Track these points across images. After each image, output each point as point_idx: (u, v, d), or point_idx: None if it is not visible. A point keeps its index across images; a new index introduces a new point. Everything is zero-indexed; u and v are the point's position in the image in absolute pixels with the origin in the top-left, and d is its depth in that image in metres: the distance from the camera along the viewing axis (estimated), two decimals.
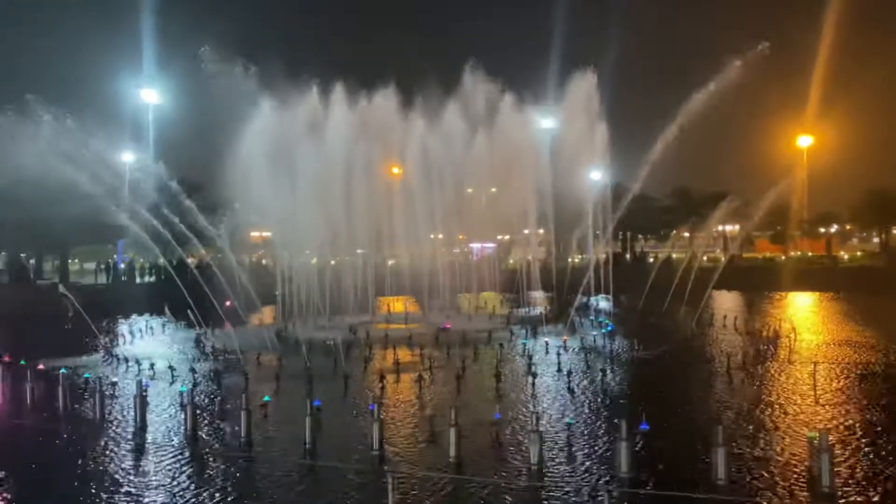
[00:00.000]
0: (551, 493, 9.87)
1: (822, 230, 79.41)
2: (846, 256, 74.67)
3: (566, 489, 9.97)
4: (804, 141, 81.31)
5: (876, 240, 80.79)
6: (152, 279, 55.76)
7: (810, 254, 73.72)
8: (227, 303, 30.25)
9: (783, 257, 73.05)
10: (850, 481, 10.10)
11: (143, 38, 71.54)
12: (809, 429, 12.25)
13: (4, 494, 10.04)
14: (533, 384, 16.72)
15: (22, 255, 56.63)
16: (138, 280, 55.03)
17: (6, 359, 19.37)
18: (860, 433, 12.58)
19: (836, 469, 9.99)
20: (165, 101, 76.18)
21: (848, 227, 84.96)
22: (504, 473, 10.77)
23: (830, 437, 10.12)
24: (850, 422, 13.32)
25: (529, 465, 10.83)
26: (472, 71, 37.48)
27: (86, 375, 17.41)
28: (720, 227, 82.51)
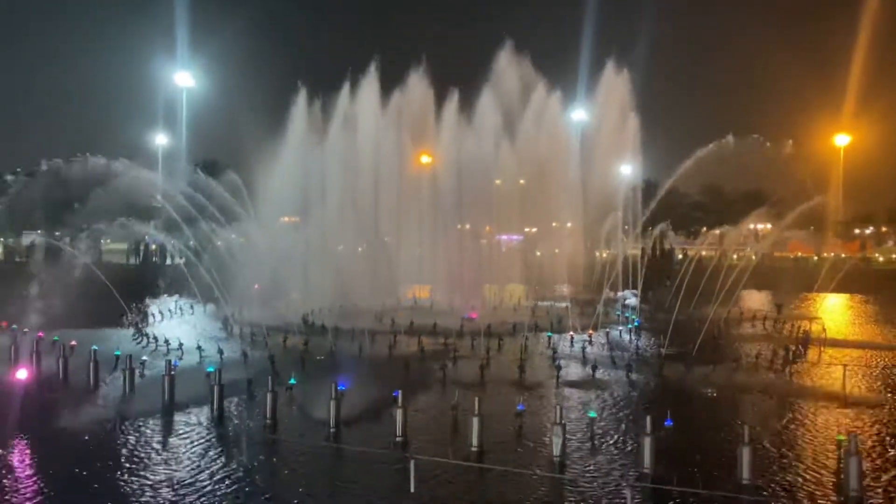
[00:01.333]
0: (573, 486, 9.85)
1: (857, 231, 77.90)
2: (881, 258, 73.19)
3: (588, 482, 9.94)
4: (842, 140, 79.69)
5: None
6: (182, 261, 56.48)
7: (843, 255, 72.35)
8: (256, 286, 30.55)
9: (815, 258, 71.78)
10: (878, 484, 9.95)
11: (176, 23, 72.23)
12: (838, 431, 12.07)
13: None
14: (557, 377, 16.67)
15: (57, 233, 57.68)
16: (168, 262, 55.77)
17: (39, 335, 19.78)
18: (889, 437, 12.36)
19: (864, 472, 9.83)
20: (199, 84, 76.94)
21: (884, 228, 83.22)
22: (526, 464, 10.77)
23: (859, 440, 9.94)
24: (880, 425, 13.09)
25: (552, 456, 10.82)
26: (503, 59, 37.24)
27: (116, 353, 17.70)
28: (752, 226, 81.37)
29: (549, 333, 23.19)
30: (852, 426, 12.37)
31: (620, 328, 25.21)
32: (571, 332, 23.01)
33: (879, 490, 9.78)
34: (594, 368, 17.09)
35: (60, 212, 53.54)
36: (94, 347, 16.72)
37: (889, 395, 15.99)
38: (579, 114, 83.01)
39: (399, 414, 11.80)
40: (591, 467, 10.64)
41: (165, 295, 35.49)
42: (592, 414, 12.74)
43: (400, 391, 12.09)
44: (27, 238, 64.17)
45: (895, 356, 21.34)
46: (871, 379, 17.91)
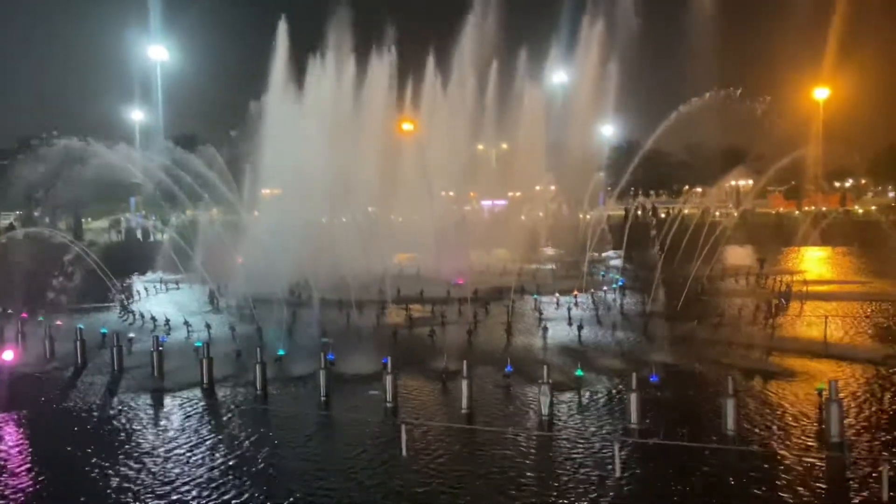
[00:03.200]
0: (561, 443, 10.03)
1: (837, 185, 78.57)
2: (860, 210, 73.96)
3: (576, 439, 10.12)
4: (821, 93, 79.84)
5: (892, 194, 79.90)
6: (165, 237, 56.11)
7: (824, 209, 73.04)
8: (239, 260, 30.41)
9: (797, 212, 72.46)
10: (859, 430, 10.20)
11: None
12: (819, 380, 12.33)
13: None
14: (544, 338, 16.84)
15: (35, 213, 57.08)
16: (151, 238, 55.39)
17: (24, 315, 19.64)
18: (868, 384, 12.66)
19: (844, 418, 10.07)
20: (174, 58, 75.65)
21: (863, 181, 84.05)
22: (515, 424, 10.95)
23: (839, 388, 10.17)
24: (860, 373, 13.39)
25: (540, 415, 10.99)
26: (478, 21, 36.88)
27: (102, 331, 17.66)
28: (733, 183, 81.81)
29: (536, 296, 23.35)
30: (833, 374, 12.61)
31: (605, 288, 25.40)
32: (557, 294, 23.18)
33: (860, 435, 10.03)
34: (580, 328, 17.27)
35: (38, 191, 52.85)
36: (80, 326, 16.66)
37: (868, 343, 16.33)
38: (559, 75, 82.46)
39: (389, 380, 11.91)
40: (579, 424, 10.83)
41: (150, 271, 35.26)
42: (579, 373, 12.91)
43: (389, 358, 12.18)
44: (5, 219, 63.42)
45: (874, 306, 21.73)
46: (851, 329, 18.25)
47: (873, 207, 77.76)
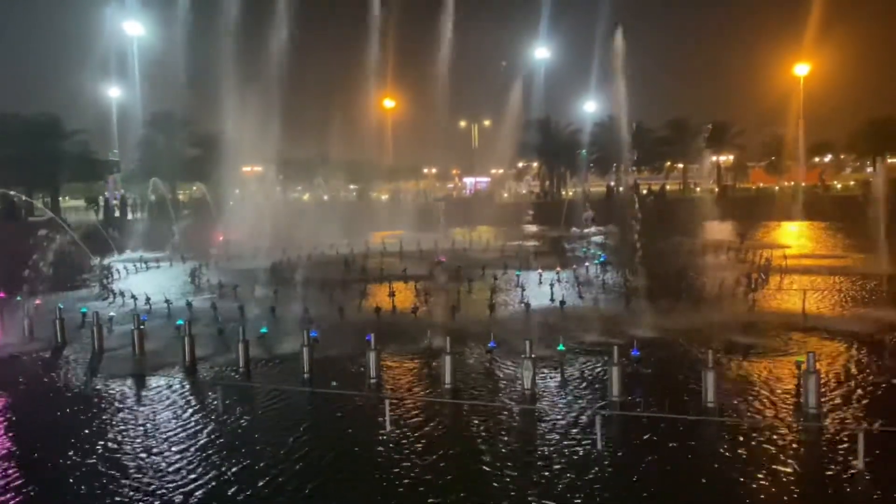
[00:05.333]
0: (543, 416, 10.12)
1: (817, 160, 79.22)
2: (839, 186, 74.73)
3: (558, 412, 10.22)
4: (801, 69, 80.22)
5: (870, 169, 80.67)
6: (144, 215, 55.59)
7: (803, 184, 73.70)
8: (220, 237, 30.27)
9: (777, 188, 73.09)
10: (836, 401, 10.39)
11: None
12: (797, 353, 12.52)
13: None
14: (526, 313, 16.92)
15: (11, 192, 56.22)
16: (130, 216, 54.87)
17: (1, 295, 19.41)
18: (847, 356, 12.86)
19: (822, 390, 10.24)
20: (151, 33, 74.32)
21: (842, 156, 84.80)
22: (498, 397, 11.03)
23: (817, 361, 10.33)
24: (837, 345, 13.60)
25: (523, 389, 11.08)
26: None
27: (83, 310, 17.51)
28: (714, 158, 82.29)
29: (518, 272, 23.43)
30: (811, 347, 12.79)
31: (587, 264, 25.53)
32: (540, 270, 23.27)
33: (837, 405, 10.21)
34: (562, 304, 17.36)
35: (14, 168, 52.04)
36: (60, 305, 16.50)
37: (846, 316, 16.58)
38: (542, 52, 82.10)
39: (372, 357, 11.94)
40: (561, 398, 10.93)
41: (129, 250, 34.96)
42: (561, 347, 12.99)
43: (372, 335, 12.19)
44: None
45: (852, 280, 22.03)
46: (829, 302, 18.51)
47: (852, 182, 78.60)
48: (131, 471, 8.51)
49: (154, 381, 12.41)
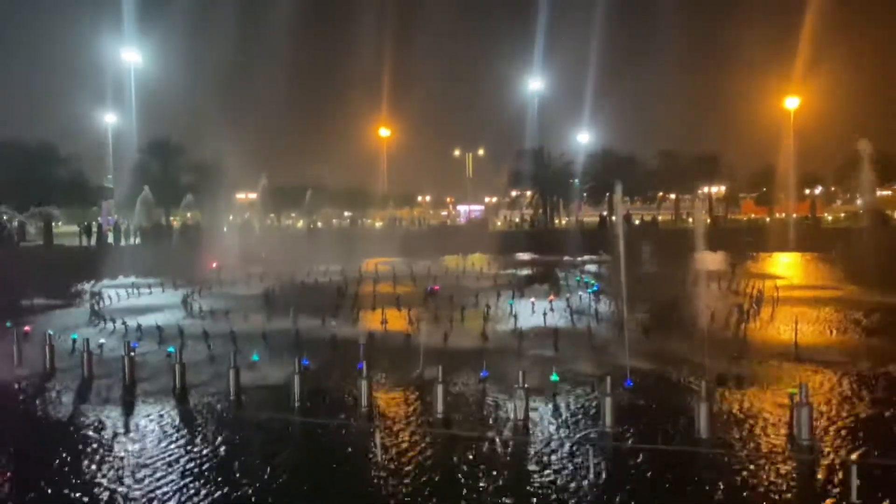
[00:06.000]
0: (535, 447, 10.06)
1: (807, 191, 79.84)
2: (830, 217, 75.27)
3: (550, 443, 10.16)
4: (791, 102, 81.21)
5: (859, 201, 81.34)
6: (138, 241, 55.48)
7: (794, 215, 74.23)
8: (213, 264, 30.24)
9: (768, 219, 73.55)
10: (829, 434, 10.36)
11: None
12: (790, 384, 12.50)
13: None
14: (519, 342, 16.89)
15: (4, 216, 56.09)
16: (123, 242, 54.72)
17: None
18: (840, 387, 12.86)
19: (815, 422, 10.22)
20: (148, 61, 74.91)
21: (833, 188, 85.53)
22: (490, 428, 10.96)
23: (810, 392, 10.32)
24: (830, 377, 13.59)
25: (515, 419, 11.02)
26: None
27: (73, 336, 17.39)
28: (705, 189, 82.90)
29: (511, 301, 23.44)
30: (803, 378, 12.78)
31: (580, 293, 25.55)
32: (532, 299, 23.27)
33: (829, 437, 10.19)
34: (555, 332, 17.34)
35: (7, 193, 51.99)
36: (50, 332, 16.39)
37: (838, 347, 16.59)
38: (535, 83, 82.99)
39: (363, 385, 11.88)
40: (554, 428, 10.87)
41: (122, 275, 34.82)
42: (555, 377, 12.95)
43: (364, 363, 12.13)
44: None
45: (844, 310, 22.09)
46: (821, 333, 18.54)
47: (842, 214, 79.21)
48: (106, 501, 8.39)
49: (143, 409, 12.29)
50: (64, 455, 10.01)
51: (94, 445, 10.44)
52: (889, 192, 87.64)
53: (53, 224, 60.34)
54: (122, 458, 9.84)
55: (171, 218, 66.30)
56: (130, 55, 72.55)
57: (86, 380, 14.33)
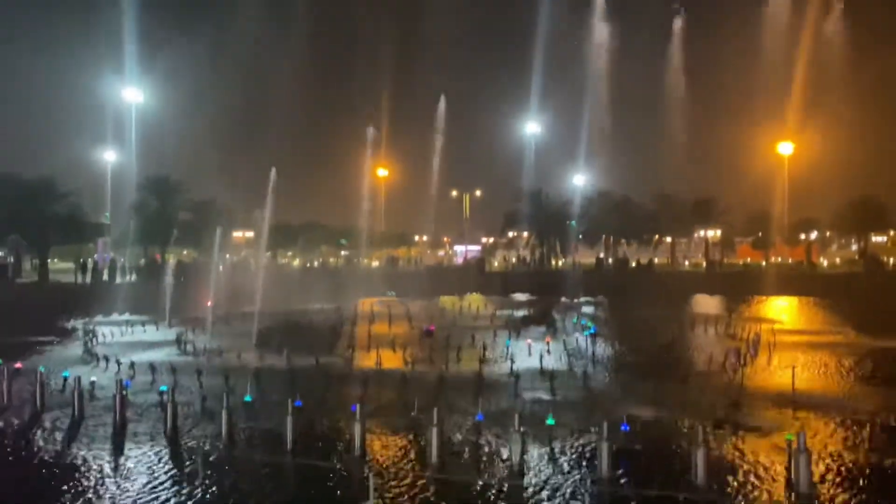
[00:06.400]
0: (531, 492, 9.91)
1: (802, 236, 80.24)
2: (825, 262, 75.54)
3: (546, 488, 10.01)
4: (785, 148, 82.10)
5: (854, 247, 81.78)
6: (133, 278, 55.37)
7: (790, 260, 74.49)
8: (209, 302, 30.13)
9: (763, 263, 73.75)
10: (827, 482, 10.24)
11: (125, 37, 70.71)
12: (788, 430, 12.39)
13: None
14: (515, 385, 16.76)
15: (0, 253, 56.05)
16: (119, 279, 54.58)
17: None
18: (838, 434, 12.74)
19: (813, 469, 10.11)
20: (149, 99, 75.70)
21: (828, 233, 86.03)
22: (485, 473, 10.81)
23: (808, 439, 10.23)
24: (829, 423, 13.48)
25: (511, 464, 10.87)
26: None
27: (65, 374, 17.22)
28: (701, 233, 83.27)
29: (508, 342, 23.35)
30: (801, 425, 12.70)
31: (577, 335, 25.47)
32: (529, 341, 23.18)
33: (828, 486, 10.07)
34: (552, 376, 17.23)
35: (4, 229, 52.00)
36: (41, 369, 16.24)
37: (836, 393, 16.50)
38: (533, 125, 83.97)
39: (357, 428, 11.73)
40: (550, 474, 10.72)
41: (116, 313, 34.66)
42: (551, 421, 12.83)
43: (358, 405, 12.02)
44: None
45: (841, 355, 22.01)
46: (819, 379, 18.44)
47: (837, 260, 79.52)
48: None
49: (133, 449, 12.11)
50: (49, 498, 9.84)
51: (81, 487, 10.27)
52: (884, 238, 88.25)
53: (49, 260, 60.24)
54: (111, 501, 9.67)
55: (165, 255, 66.23)
56: (132, 93, 73.37)
57: (76, 419, 14.16)
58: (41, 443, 12.76)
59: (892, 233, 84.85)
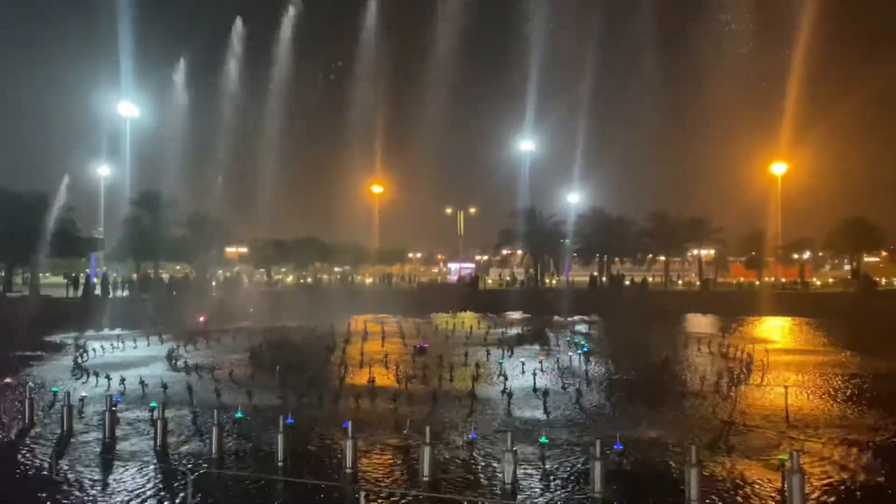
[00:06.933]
0: None
1: (796, 256, 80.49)
2: (818, 283, 75.77)
3: None
4: (778, 168, 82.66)
5: (847, 267, 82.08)
6: (126, 293, 55.11)
7: (783, 280, 74.69)
8: (201, 318, 30.00)
9: (757, 283, 73.90)
10: (821, 501, 10.19)
11: (121, 51, 70.81)
12: (781, 450, 12.35)
13: None
14: (508, 403, 16.68)
15: None
16: (111, 294, 54.30)
17: None
18: (831, 454, 12.70)
19: (806, 490, 10.05)
20: (144, 114, 75.72)
21: (821, 253, 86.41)
22: (478, 492, 10.72)
23: (801, 459, 10.18)
24: (822, 443, 13.44)
25: (503, 483, 10.79)
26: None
27: (54, 389, 17.08)
28: (695, 252, 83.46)
29: (501, 360, 23.27)
30: (795, 445, 12.65)
31: (570, 354, 25.41)
32: (522, 359, 23.11)
33: None
34: (545, 394, 17.15)
35: None
36: (31, 384, 16.10)
37: (830, 413, 16.47)
38: (527, 144, 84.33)
39: (349, 445, 11.64)
40: (543, 493, 10.64)
41: (107, 328, 34.45)
42: (544, 440, 12.76)
43: (350, 422, 11.93)
44: None
45: (834, 375, 22.01)
46: (812, 399, 18.41)
47: (830, 279, 79.77)
48: None
49: (122, 466, 11.98)
50: None
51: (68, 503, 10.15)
52: (877, 259, 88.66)
53: (40, 274, 59.90)
54: None
55: (158, 270, 65.94)
56: (127, 108, 73.38)
57: (65, 434, 14.01)
58: (27, 459, 12.61)
59: (884, 253, 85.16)
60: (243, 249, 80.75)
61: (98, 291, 54.25)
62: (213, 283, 61.00)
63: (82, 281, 55.73)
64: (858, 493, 10.67)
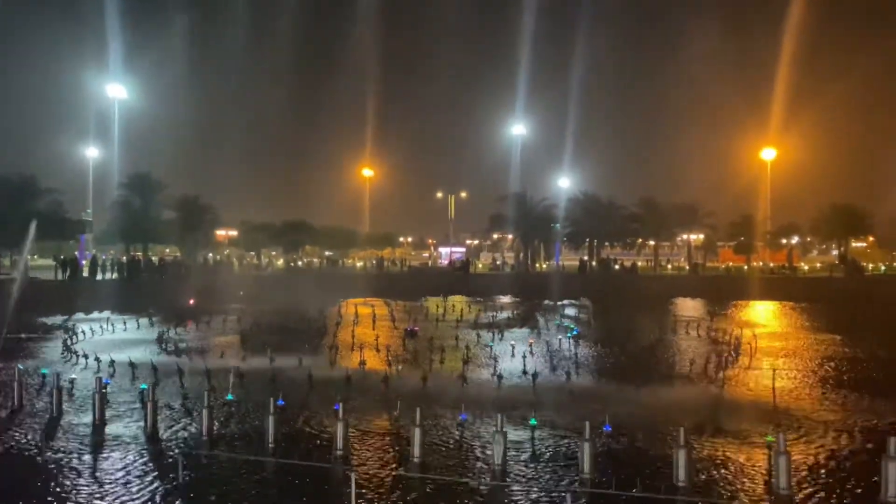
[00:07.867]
0: (513, 493, 9.91)
1: (784, 241, 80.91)
2: (806, 267, 76.24)
3: (528, 489, 10.01)
4: (768, 154, 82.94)
5: (835, 252, 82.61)
6: (115, 276, 54.82)
7: (771, 264, 75.09)
8: (191, 301, 29.93)
9: (745, 267, 74.30)
10: (808, 483, 10.32)
11: (108, 31, 69.93)
12: (768, 432, 12.49)
13: None
14: (498, 386, 16.76)
15: None
16: (100, 276, 54.00)
17: None
18: (818, 435, 12.85)
19: (793, 471, 10.18)
20: (133, 96, 75.05)
21: (809, 238, 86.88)
22: (468, 473, 10.79)
23: (788, 440, 10.30)
24: (809, 425, 13.59)
25: (493, 464, 10.86)
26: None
27: (43, 371, 17.02)
28: (684, 237, 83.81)
29: (491, 344, 23.35)
30: (781, 427, 12.78)
31: (560, 337, 25.52)
32: (512, 343, 23.20)
33: (808, 487, 10.15)
34: (534, 377, 17.24)
35: None
36: (20, 366, 16.04)
37: (816, 396, 16.64)
38: (519, 128, 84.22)
39: (339, 427, 11.67)
40: (532, 474, 10.73)
41: (97, 311, 34.29)
42: (533, 422, 12.84)
43: (340, 404, 11.95)
44: None
45: (820, 359, 22.22)
46: (799, 382, 18.59)
47: (818, 264, 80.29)
48: None
49: (112, 448, 11.98)
50: (24, 496, 9.71)
51: (57, 485, 10.14)
52: (864, 244, 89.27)
53: (28, 257, 59.40)
54: (87, 500, 9.56)
55: (147, 253, 65.58)
56: (115, 90, 72.67)
57: (55, 417, 13.99)
58: (17, 441, 12.58)
59: (871, 239, 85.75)
60: (233, 233, 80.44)
61: (87, 274, 53.94)
62: (203, 266, 60.77)
63: (69, 263, 55.34)
64: (844, 474, 10.81)
